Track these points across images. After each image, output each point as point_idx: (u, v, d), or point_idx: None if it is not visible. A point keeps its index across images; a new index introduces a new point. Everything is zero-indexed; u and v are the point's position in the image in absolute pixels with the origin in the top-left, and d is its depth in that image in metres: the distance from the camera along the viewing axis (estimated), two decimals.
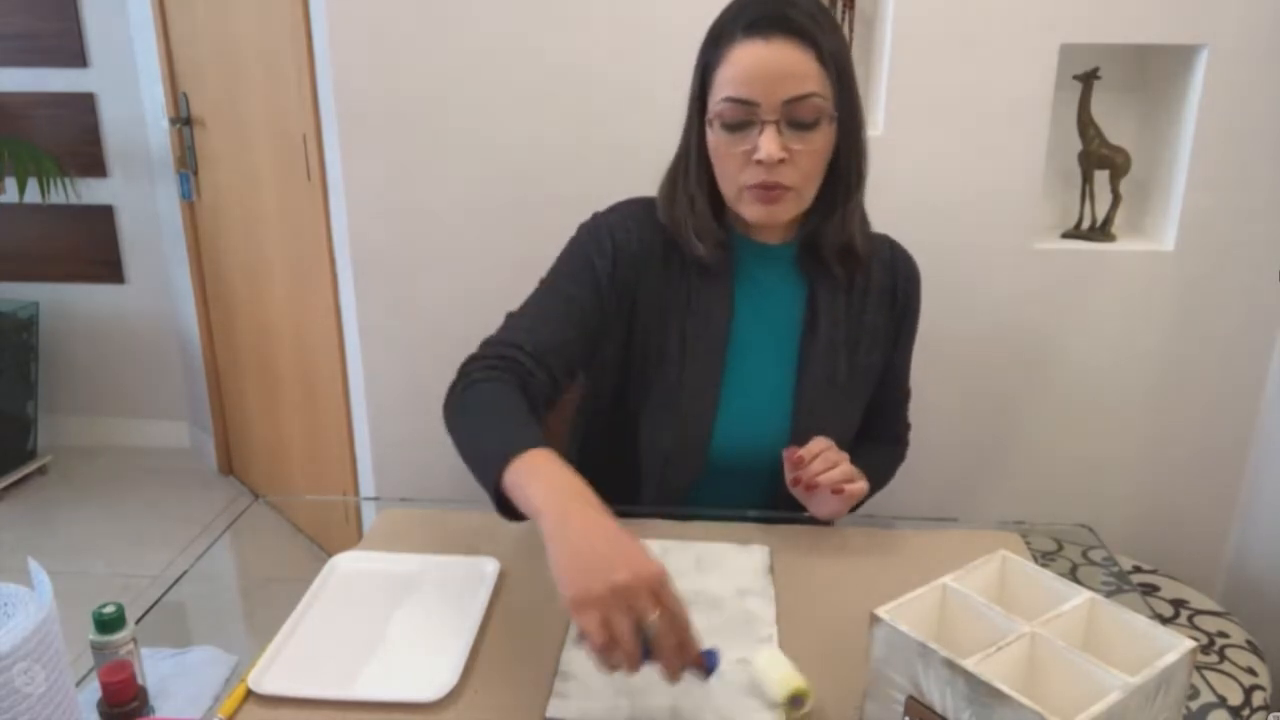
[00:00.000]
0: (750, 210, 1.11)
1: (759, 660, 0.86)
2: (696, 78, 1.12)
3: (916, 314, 1.29)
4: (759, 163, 1.06)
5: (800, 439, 1.14)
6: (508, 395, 1.02)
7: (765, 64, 1.03)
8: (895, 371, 1.30)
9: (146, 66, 2.72)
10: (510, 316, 1.17)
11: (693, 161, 1.14)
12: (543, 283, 1.20)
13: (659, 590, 0.77)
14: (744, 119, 1.06)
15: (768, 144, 1.04)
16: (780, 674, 0.84)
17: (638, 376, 1.20)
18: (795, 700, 0.83)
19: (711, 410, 1.18)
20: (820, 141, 1.07)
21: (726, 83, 1.06)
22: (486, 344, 1.12)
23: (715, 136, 1.09)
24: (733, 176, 1.10)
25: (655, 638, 0.76)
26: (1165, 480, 1.90)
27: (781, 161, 1.05)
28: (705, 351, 1.18)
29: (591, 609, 0.75)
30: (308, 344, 2.29)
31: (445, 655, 0.89)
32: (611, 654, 0.76)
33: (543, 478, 0.87)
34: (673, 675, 0.78)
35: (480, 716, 0.83)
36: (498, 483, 0.90)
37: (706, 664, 0.80)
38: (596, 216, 1.21)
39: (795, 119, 1.05)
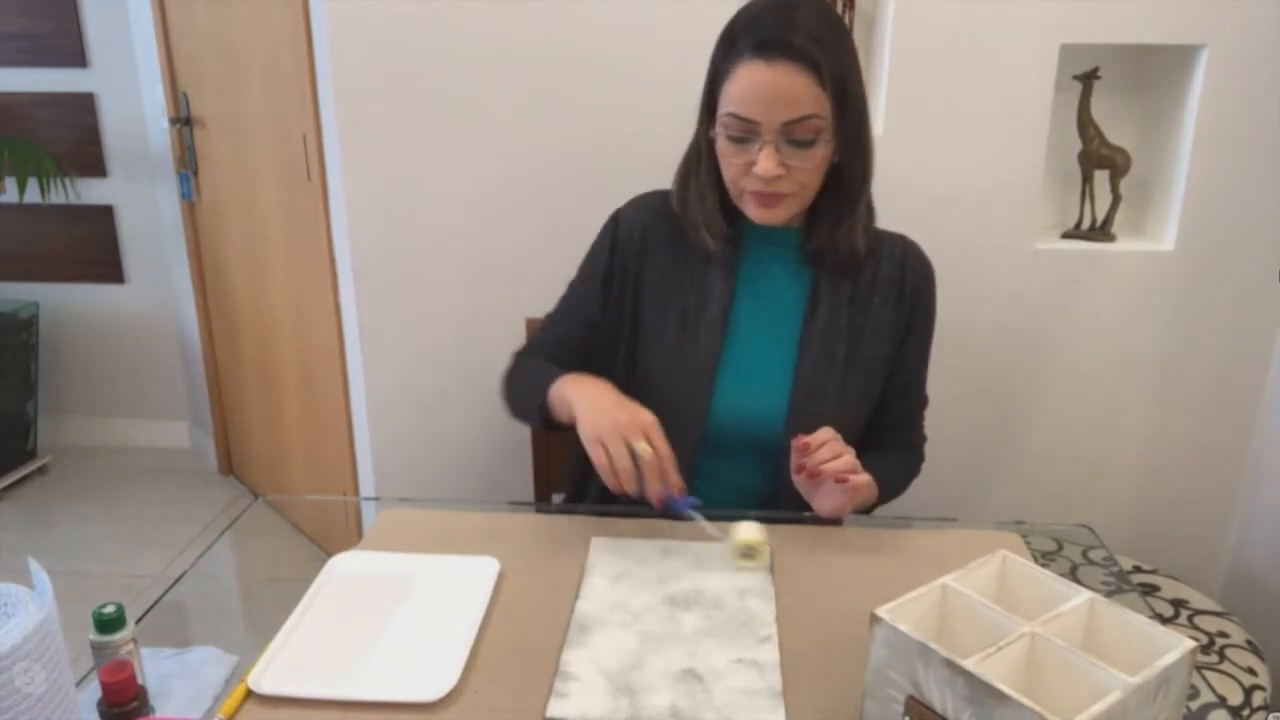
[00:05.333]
0: (751, 211, 1.18)
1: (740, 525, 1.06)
2: (708, 79, 1.17)
3: (928, 313, 1.29)
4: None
5: (797, 417, 1.18)
6: (540, 362, 1.28)
7: (766, 87, 1.09)
8: (907, 373, 1.29)
9: (146, 66, 2.72)
10: (547, 316, 1.37)
11: (704, 156, 1.20)
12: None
13: (648, 429, 1.05)
14: (745, 134, 1.12)
15: (765, 162, 1.11)
16: (745, 532, 1.04)
17: (637, 350, 1.26)
18: (747, 550, 1.03)
19: (708, 383, 1.21)
20: (818, 156, 1.13)
21: (731, 99, 1.11)
22: (529, 342, 1.37)
23: (721, 142, 1.15)
24: (735, 180, 1.17)
25: (644, 464, 1.02)
26: (1165, 480, 1.90)
27: (779, 176, 1.12)
28: (704, 328, 1.23)
29: (597, 442, 1.04)
30: (308, 344, 2.29)
31: (445, 655, 0.90)
32: (613, 476, 1.03)
33: (575, 382, 1.15)
34: (655, 498, 1.05)
35: (480, 716, 0.83)
36: (544, 399, 1.16)
37: (680, 503, 1.04)
38: (615, 211, 1.30)
39: (793, 138, 1.11)
